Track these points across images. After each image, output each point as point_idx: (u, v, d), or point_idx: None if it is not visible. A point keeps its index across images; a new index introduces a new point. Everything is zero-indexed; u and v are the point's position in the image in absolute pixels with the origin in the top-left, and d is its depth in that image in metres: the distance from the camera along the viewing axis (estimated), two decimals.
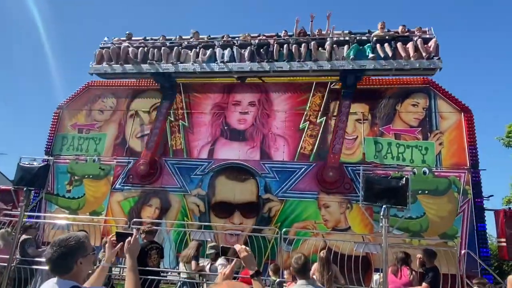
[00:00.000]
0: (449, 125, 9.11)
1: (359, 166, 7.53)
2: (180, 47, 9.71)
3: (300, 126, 9.75)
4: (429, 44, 8.82)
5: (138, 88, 11.09)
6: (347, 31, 9.74)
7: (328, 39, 9.24)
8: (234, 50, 9.22)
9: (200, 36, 10.26)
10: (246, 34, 9.90)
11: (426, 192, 8.57)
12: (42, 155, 10.49)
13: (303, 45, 8.94)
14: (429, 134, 9.10)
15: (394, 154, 9.08)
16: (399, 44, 8.84)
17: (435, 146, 8.97)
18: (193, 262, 5.85)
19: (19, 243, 6.40)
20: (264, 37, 9.67)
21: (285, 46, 9.04)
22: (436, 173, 8.72)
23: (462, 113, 9.09)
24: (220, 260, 6.00)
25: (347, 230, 8.57)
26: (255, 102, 10.30)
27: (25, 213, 6.46)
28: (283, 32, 9.82)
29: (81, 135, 10.91)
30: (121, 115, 10.92)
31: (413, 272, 5.64)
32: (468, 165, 8.63)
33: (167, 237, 8.77)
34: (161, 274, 6.23)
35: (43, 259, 6.24)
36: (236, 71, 9.41)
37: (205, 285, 5.93)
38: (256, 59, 9.15)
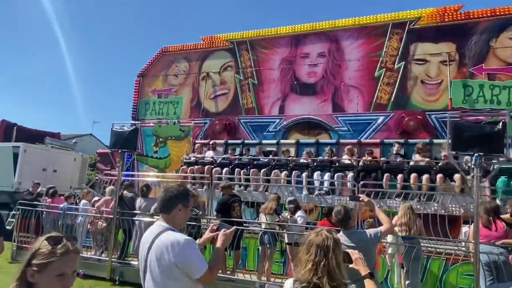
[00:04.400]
0: None
1: (445, 113, 6.90)
2: None
3: (376, 74, 9.12)
4: None
5: (208, 49, 11.29)
6: None
7: None
8: None
9: None
10: None
11: None
12: (129, 120, 11.55)
13: None
14: None
15: (487, 97, 8.08)
16: None
17: None
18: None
19: (121, 198, 7.31)
20: None
21: None
22: None
23: None
24: (299, 213, 6.18)
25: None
26: (324, 53, 9.83)
27: (122, 172, 7.32)
28: None
29: (161, 100, 11.69)
30: (194, 78, 11.36)
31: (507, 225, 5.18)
32: None
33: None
34: (244, 224, 6.67)
35: (139, 212, 7.10)
36: None
37: (285, 235, 6.21)
38: None
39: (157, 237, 2.04)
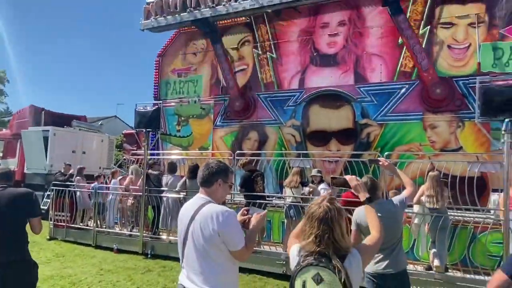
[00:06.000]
0: None
1: (474, 78, 6.60)
2: None
3: (399, 41, 8.75)
4: None
5: (224, 25, 11.12)
6: None
7: None
8: None
9: None
10: None
11: None
12: (151, 100, 11.69)
13: None
14: None
15: None
16: None
17: None
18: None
19: (147, 176, 7.55)
20: None
21: None
22: None
23: None
24: (322, 185, 6.21)
25: (458, 151, 7.87)
26: (345, 21, 9.48)
27: (148, 151, 7.52)
28: None
29: (181, 79, 11.72)
30: (213, 55, 11.27)
31: None
32: None
33: (267, 166, 9.28)
34: (267, 198, 6.78)
35: (166, 188, 7.31)
36: (267, 5, 8.70)
37: None
38: None
39: (200, 208, 2.15)
